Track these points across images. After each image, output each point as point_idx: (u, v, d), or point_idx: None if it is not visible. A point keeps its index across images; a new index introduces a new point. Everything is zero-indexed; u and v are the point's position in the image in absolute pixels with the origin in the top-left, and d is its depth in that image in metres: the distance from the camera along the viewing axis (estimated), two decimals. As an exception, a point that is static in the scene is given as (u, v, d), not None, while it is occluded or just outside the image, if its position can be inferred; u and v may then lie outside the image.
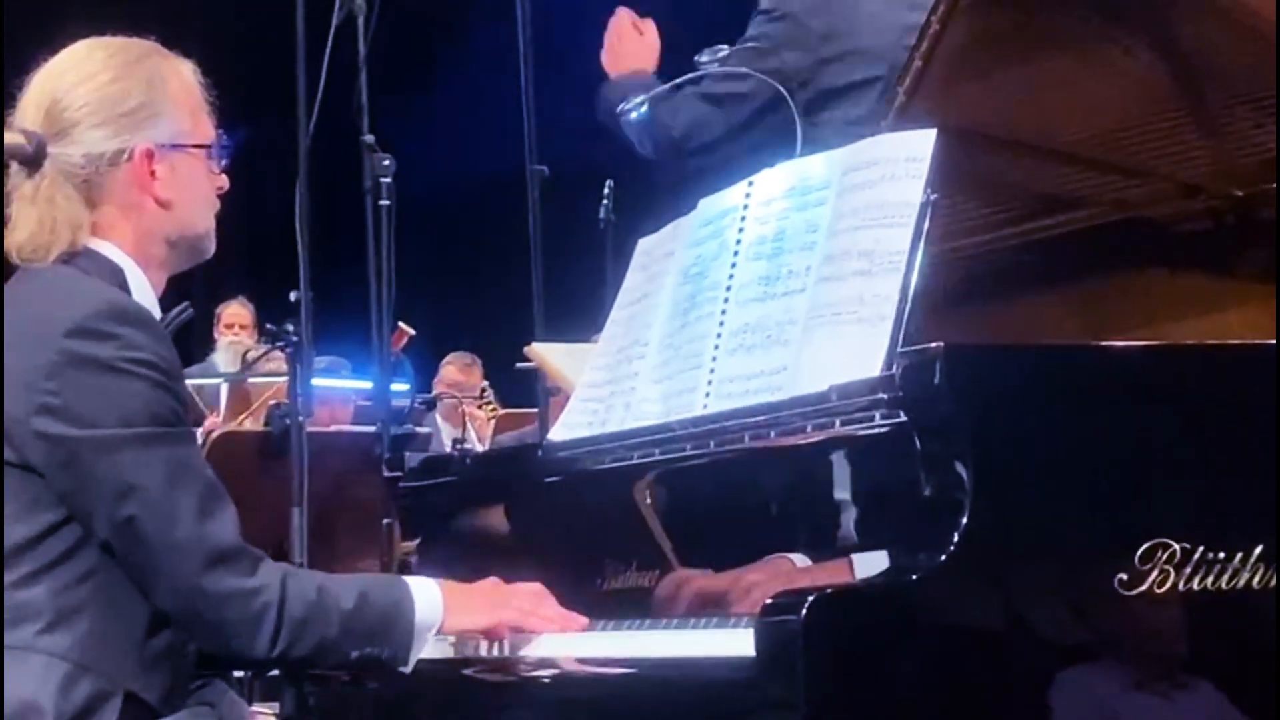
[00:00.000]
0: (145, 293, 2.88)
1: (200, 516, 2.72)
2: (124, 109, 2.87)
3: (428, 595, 2.88)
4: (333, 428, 6.56)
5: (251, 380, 7.18)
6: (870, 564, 2.61)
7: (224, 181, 3.00)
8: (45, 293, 2.81)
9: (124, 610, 2.75)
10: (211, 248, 2.99)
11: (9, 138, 2.84)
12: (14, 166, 2.85)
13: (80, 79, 2.87)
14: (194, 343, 9.03)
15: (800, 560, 2.78)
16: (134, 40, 2.96)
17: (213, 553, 2.72)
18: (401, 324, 7.14)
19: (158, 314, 2.90)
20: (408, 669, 2.87)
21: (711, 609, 2.82)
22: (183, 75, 2.96)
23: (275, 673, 3.48)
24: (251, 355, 7.36)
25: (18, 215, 2.85)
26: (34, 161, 2.84)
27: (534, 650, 2.91)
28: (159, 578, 2.73)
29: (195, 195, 2.94)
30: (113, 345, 2.71)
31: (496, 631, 2.93)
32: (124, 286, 2.85)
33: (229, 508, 2.77)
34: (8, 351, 2.76)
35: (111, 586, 2.74)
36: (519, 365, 4.93)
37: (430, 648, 3.03)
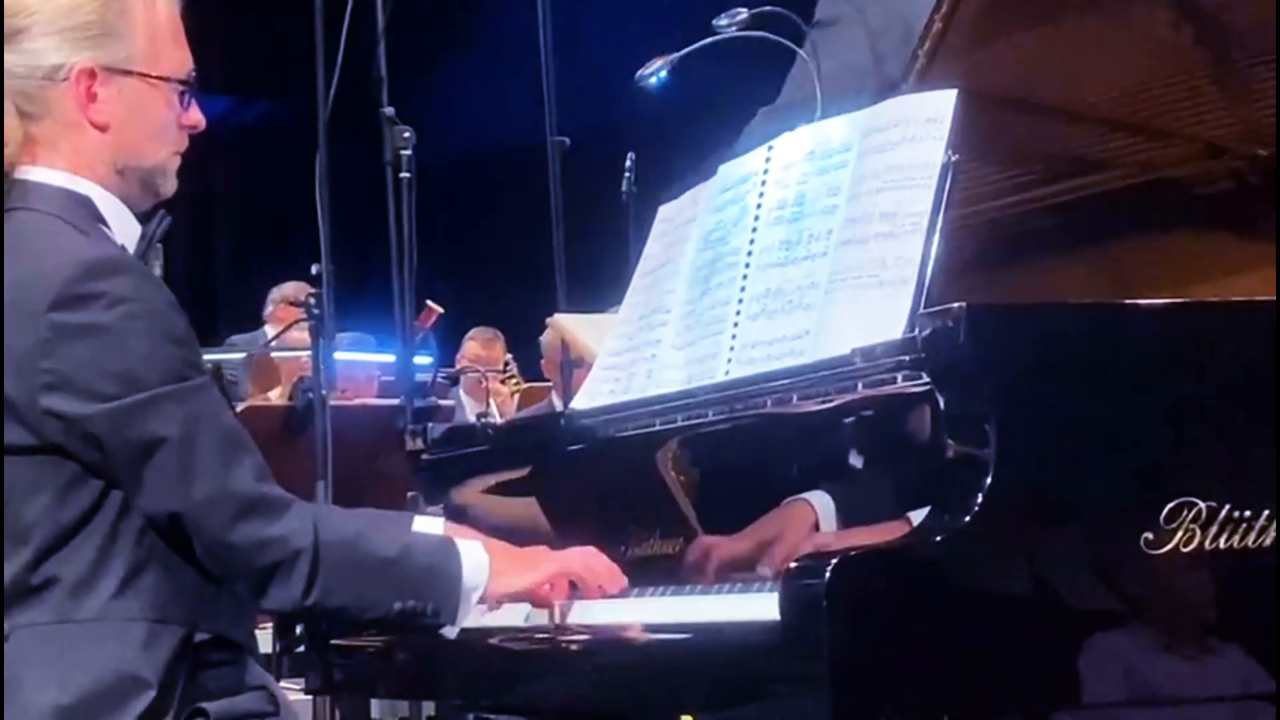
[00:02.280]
0: (119, 214, 2.81)
1: (220, 468, 2.69)
2: (73, 23, 2.76)
3: (473, 553, 2.83)
4: (357, 401, 6.57)
5: (276, 354, 7.20)
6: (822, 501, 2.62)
7: (195, 119, 2.88)
8: (18, 256, 2.72)
9: (185, 556, 2.72)
10: (169, 187, 2.89)
11: None
12: None
13: None
14: (221, 321, 9.04)
15: (818, 499, 2.76)
16: None
17: (236, 503, 2.68)
18: (430, 302, 7.13)
19: (136, 233, 2.83)
20: (454, 629, 2.81)
21: (737, 572, 2.82)
22: (153, 2, 2.84)
23: (302, 649, 3.49)
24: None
25: None
26: None
27: (559, 618, 2.90)
28: (188, 535, 2.70)
29: (143, 124, 2.82)
30: (99, 305, 2.65)
31: (539, 595, 2.89)
32: (97, 215, 2.78)
33: (250, 455, 2.73)
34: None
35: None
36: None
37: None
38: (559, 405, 7.95)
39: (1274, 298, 2.80)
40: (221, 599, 2.78)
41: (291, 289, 8.88)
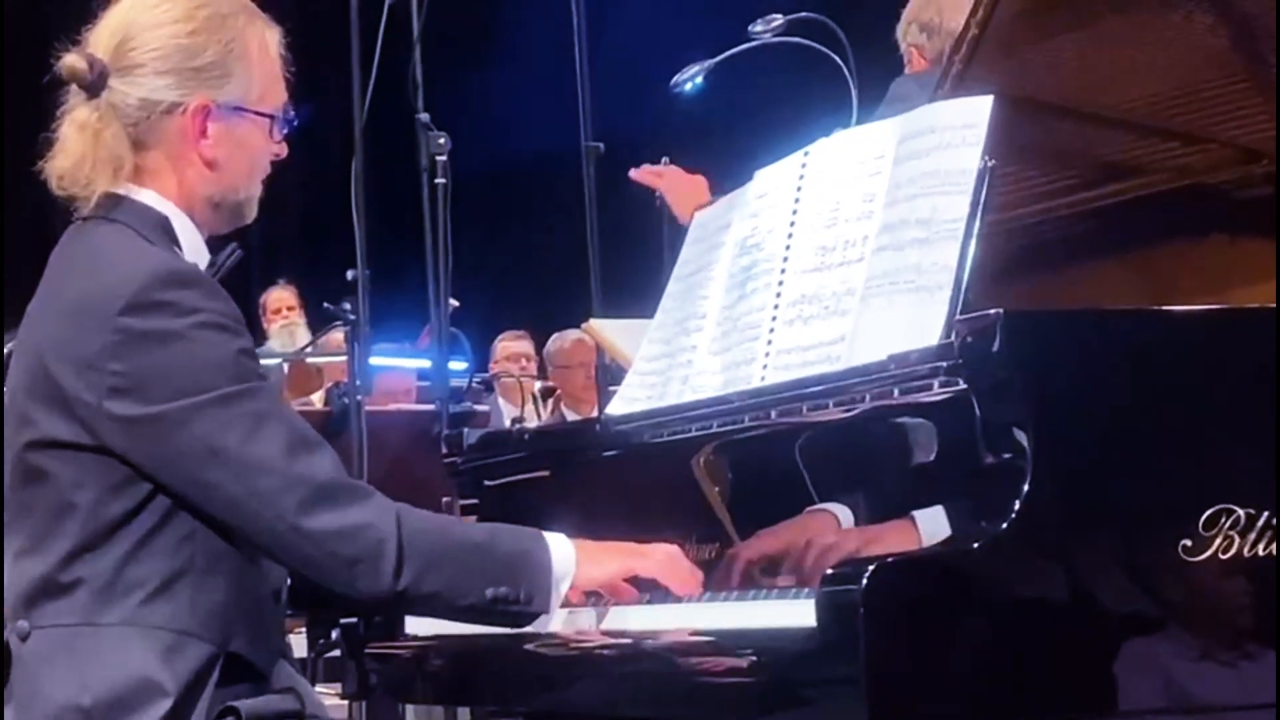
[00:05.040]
0: (193, 240, 2.85)
1: (288, 460, 2.69)
2: (193, 64, 2.83)
3: (559, 543, 2.83)
4: (392, 407, 6.58)
5: (311, 360, 7.21)
6: (931, 519, 2.61)
7: (282, 150, 2.94)
8: (92, 262, 2.79)
9: (224, 572, 2.74)
10: (252, 214, 2.95)
11: (72, 59, 2.81)
12: (73, 88, 2.83)
13: (159, 22, 2.83)
14: (254, 328, 9.07)
15: (840, 511, 2.76)
16: None
17: (307, 492, 2.69)
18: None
19: (206, 259, 2.87)
20: (549, 615, 2.81)
21: (771, 578, 2.82)
22: (265, 40, 2.91)
23: (337, 653, 3.49)
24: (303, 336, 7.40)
25: (64, 140, 2.83)
26: (92, 89, 2.81)
27: (595, 624, 2.90)
28: (259, 532, 2.71)
29: (245, 160, 2.89)
30: (170, 313, 2.69)
31: (622, 587, 2.88)
32: (171, 236, 2.82)
33: (322, 448, 2.74)
34: (68, 330, 2.74)
35: (210, 550, 2.74)
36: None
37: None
38: (569, 414, 7.98)
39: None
40: (253, 621, 2.78)
41: (273, 298, 8.94)
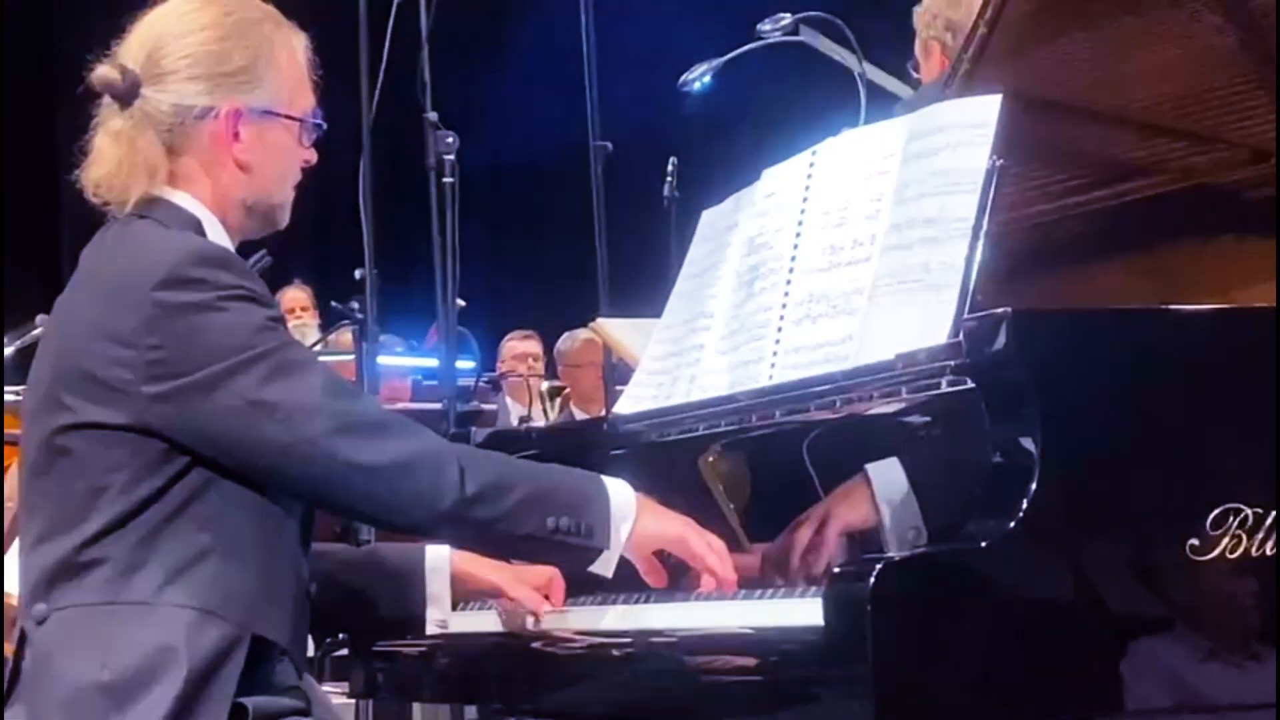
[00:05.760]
0: (223, 241, 2.88)
1: (332, 401, 2.72)
2: (223, 69, 2.87)
3: (620, 487, 2.84)
4: (399, 405, 6.59)
5: (320, 359, 7.21)
6: (885, 470, 2.61)
7: (312, 155, 2.99)
8: (127, 248, 2.83)
9: (248, 554, 2.75)
10: (285, 219, 2.99)
11: (104, 70, 2.86)
12: (106, 98, 2.87)
13: (188, 30, 2.88)
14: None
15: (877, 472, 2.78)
16: (254, 2, 2.97)
17: (358, 428, 2.72)
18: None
19: None
20: (610, 553, 2.80)
21: (779, 576, 2.82)
22: (293, 47, 2.96)
23: (344, 652, 3.49)
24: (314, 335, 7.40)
25: (99, 149, 2.88)
26: (124, 99, 2.86)
27: (602, 622, 2.90)
28: (314, 477, 2.73)
29: (277, 164, 2.93)
30: (202, 289, 2.73)
31: (654, 566, 2.88)
32: (202, 235, 2.85)
33: (363, 393, 2.77)
34: (101, 315, 2.77)
35: (234, 531, 2.75)
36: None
37: (493, 622, 3.03)
38: (578, 414, 7.98)
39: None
40: (278, 609, 2.78)
41: (287, 298, 8.94)
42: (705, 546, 2.85)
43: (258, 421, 2.71)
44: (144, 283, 2.73)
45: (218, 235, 2.88)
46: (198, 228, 2.85)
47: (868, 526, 2.83)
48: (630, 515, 2.82)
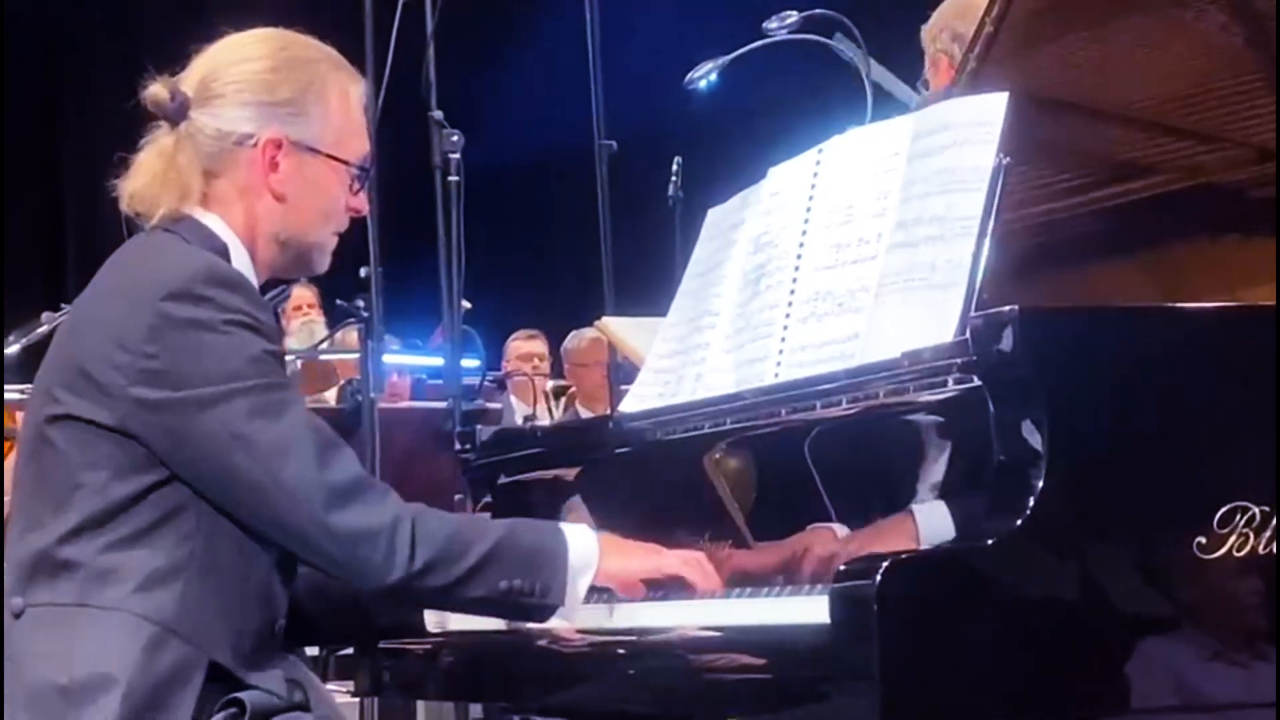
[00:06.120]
0: (246, 269, 2.89)
1: (315, 456, 2.73)
2: (269, 98, 2.90)
3: (581, 536, 2.86)
4: (404, 404, 6.59)
5: (324, 356, 7.22)
6: (932, 513, 2.61)
7: (361, 205, 3.00)
8: (143, 257, 2.85)
9: (220, 579, 2.77)
10: (323, 264, 3.01)
11: (155, 89, 2.89)
12: (159, 119, 2.91)
13: (241, 59, 2.92)
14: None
15: (841, 531, 2.78)
16: (314, 43, 3.00)
17: (334, 490, 2.73)
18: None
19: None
20: (565, 608, 2.83)
21: (784, 577, 2.82)
22: (347, 91, 2.98)
23: (349, 651, 3.49)
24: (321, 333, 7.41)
25: (141, 163, 2.91)
26: (173, 119, 2.89)
27: (607, 622, 2.90)
28: (280, 522, 2.75)
29: (315, 201, 2.94)
30: (209, 307, 2.74)
31: (634, 586, 2.88)
32: (225, 258, 2.87)
33: (342, 445, 2.78)
34: (108, 314, 2.79)
35: (209, 555, 2.76)
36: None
37: (493, 621, 3.03)
38: (583, 412, 7.98)
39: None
40: (248, 640, 2.79)
41: (294, 295, 8.94)
42: (679, 564, 2.88)
43: (235, 454, 2.72)
44: (154, 292, 2.75)
45: (242, 264, 2.89)
46: (223, 252, 2.87)
47: None
48: (591, 565, 2.84)
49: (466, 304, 5.20)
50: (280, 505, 2.73)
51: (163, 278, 2.76)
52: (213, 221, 2.89)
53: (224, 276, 2.79)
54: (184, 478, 2.75)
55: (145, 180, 2.89)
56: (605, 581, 2.87)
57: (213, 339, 2.73)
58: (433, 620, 3.17)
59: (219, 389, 2.72)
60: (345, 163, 2.96)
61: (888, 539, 2.67)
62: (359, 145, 2.99)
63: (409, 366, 7.54)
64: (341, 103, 2.96)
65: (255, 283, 2.91)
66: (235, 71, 2.91)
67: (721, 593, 2.85)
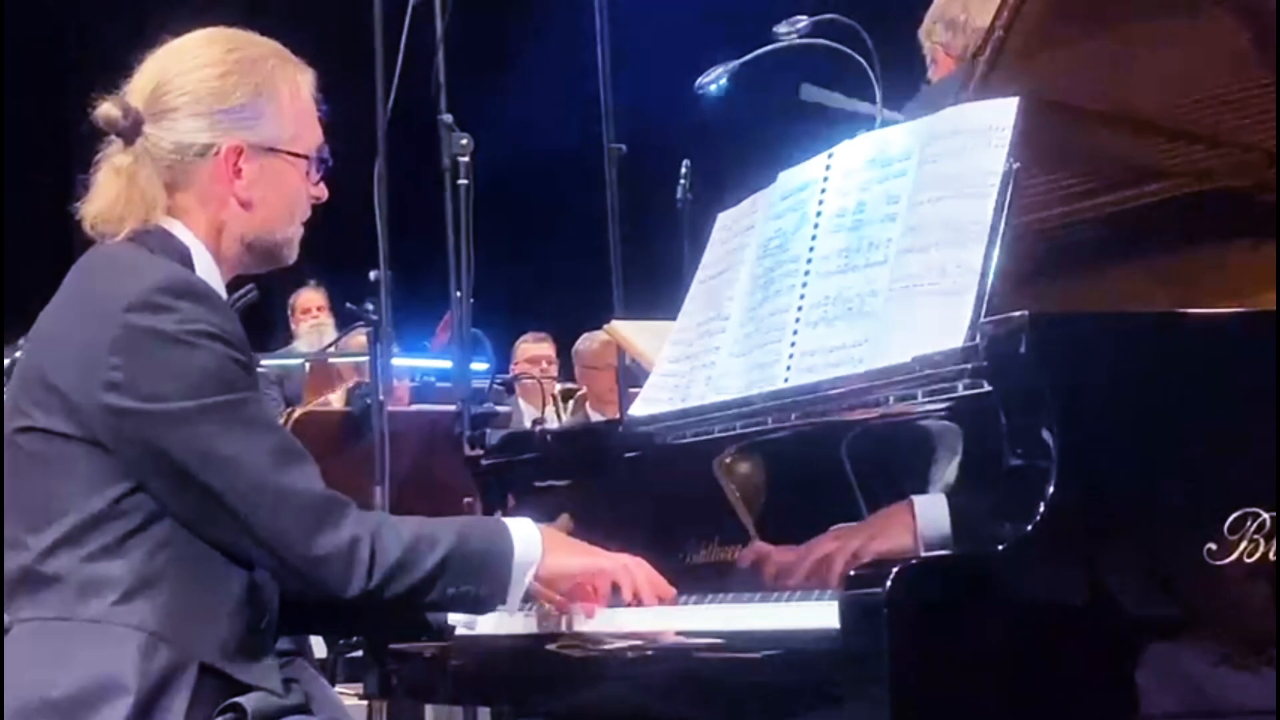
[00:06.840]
0: (211, 275, 2.89)
1: (280, 473, 2.74)
2: (225, 105, 2.89)
3: (526, 533, 2.88)
4: (412, 407, 6.59)
5: (333, 360, 7.22)
6: (930, 505, 2.60)
7: (321, 192, 3.00)
8: (108, 269, 2.84)
9: (203, 582, 2.77)
10: (292, 255, 3.01)
11: (107, 108, 2.87)
12: (112, 135, 2.89)
13: (190, 67, 2.90)
14: (276, 333, 9.07)
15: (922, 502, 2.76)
16: (257, 39, 2.98)
17: (297, 509, 2.74)
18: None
19: (223, 295, 2.91)
20: (507, 607, 2.87)
21: (795, 581, 2.81)
22: (296, 84, 2.97)
23: (358, 654, 3.49)
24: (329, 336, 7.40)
25: (100, 184, 2.89)
26: (127, 136, 2.87)
27: (617, 624, 2.90)
28: (245, 540, 2.75)
29: (280, 200, 2.94)
30: (173, 318, 2.73)
31: (582, 591, 2.92)
32: (189, 266, 2.86)
33: (307, 462, 2.79)
34: (72, 327, 2.79)
35: (190, 558, 2.77)
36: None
37: (514, 623, 3.03)
38: (594, 415, 7.98)
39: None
40: (237, 641, 2.80)
41: (303, 298, 8.96)
42: (617, 567, 2.90)
43: (203, 469, 2.73)
44: (116, 303, 2.75)
45: (206, 266, 2.88)
46: (185, 257, 2.86)
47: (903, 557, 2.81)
48: (535, 558, 2.87)
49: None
50: (244, 519, 2.74)
51: (123, 289, 2.76)
52: (175, 228, 2.88)
53: (183, 285, 2.78)
54: (149, 490, 2.75)
55: (108, 202, 2.87)
56: (546, 580, 2.89)
57: (177, 351, 2.73)
58: (461, 620, 3.17)
59: (186, 405, 2.72)
60: (305, 156, 2.96)
61: (884, 529, 2.68)
62: (314, 135, 2.99)
63: (414, 370, 7.53)
64: (293, 96, 2.95)
65: (222, 285, 2.91)
66: (186, 81, 2.89)
67: (731, 596, 2.85)
